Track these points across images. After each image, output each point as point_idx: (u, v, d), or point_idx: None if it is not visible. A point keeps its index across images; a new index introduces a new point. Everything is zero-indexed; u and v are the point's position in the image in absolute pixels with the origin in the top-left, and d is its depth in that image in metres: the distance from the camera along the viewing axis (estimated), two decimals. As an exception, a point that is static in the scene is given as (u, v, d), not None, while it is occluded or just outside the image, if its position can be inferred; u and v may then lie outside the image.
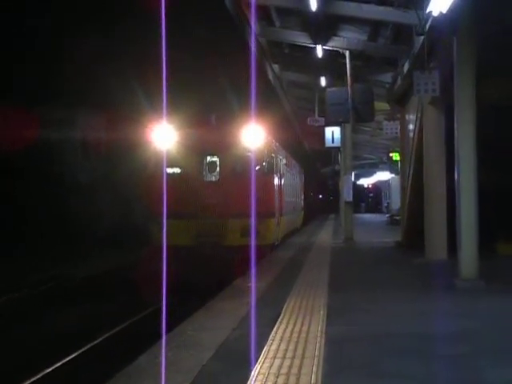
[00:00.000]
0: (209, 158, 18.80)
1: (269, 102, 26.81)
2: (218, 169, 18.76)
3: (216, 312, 10.30)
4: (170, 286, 13.68)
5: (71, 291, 17.64)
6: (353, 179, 49.26)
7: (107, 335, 12.29)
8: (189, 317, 9.99)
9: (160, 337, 8.56)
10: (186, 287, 15.11)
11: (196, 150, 18.45)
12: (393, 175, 43.70)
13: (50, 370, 10.07)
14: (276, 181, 20.49)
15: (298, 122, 39.19)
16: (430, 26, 14.41)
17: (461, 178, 12.41)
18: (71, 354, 10.88)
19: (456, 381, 6.37)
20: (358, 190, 74.07)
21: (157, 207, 16.29)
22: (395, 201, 41.51)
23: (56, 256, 23.62)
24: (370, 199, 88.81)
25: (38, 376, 9.74)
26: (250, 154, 18.16)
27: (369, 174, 65.13)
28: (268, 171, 19.36)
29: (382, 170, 53.52)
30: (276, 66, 28.37)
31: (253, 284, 12.56)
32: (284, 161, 24.30)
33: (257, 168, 18.38)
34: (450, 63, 12.95)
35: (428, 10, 12.54)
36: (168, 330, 8.71)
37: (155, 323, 10.50)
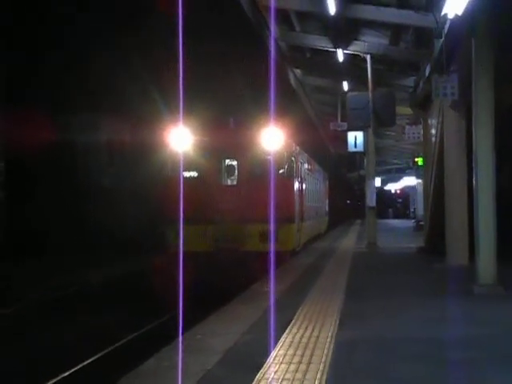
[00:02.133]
0: (227, 162, 18.43)
1: (289, 105, 26.49)
2: (236, 172, 18.37)
3: (228, 317, 10.27)
4: (187, 291, 13.76)
5: (87, 298, 17.58)
6: (379, 184, 49.34)
7: (122, 342, 12.32)
8: (201, 322, 9.97)
9: (169, 341, 8.61)
10: (202, 293, 15.00)
11: (214, 154, 18.10)
12: (419, 180, 43.35)
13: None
14: (296, 185, 20.06)
15: (321, 127, 39.11)
16: (449, 29, 14.32)
17: (479, 181, 12.25)
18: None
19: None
20: (385, 196, 73.93)
21: (173, 212, 15.72)
22: (421, 206, 41.14)
23: (69, 262, 23.66)
24: (398, 204, 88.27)
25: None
26: (269, 157, 17.68)
27: (396, 179, 64.82)
28: (288, 175, 18.83)
29: (409, 175, 53.21)
30: (298, 71, 28.36)
31: (270, 289, 12.43)
32: (305, 165, 23.82)
33: (276, 172, 17.82)
34: (469, 66, 12.81)
35: (443, 13, 12.41)
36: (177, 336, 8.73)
37: (169, 328, 10.61)
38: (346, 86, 27.74)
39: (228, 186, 18.37)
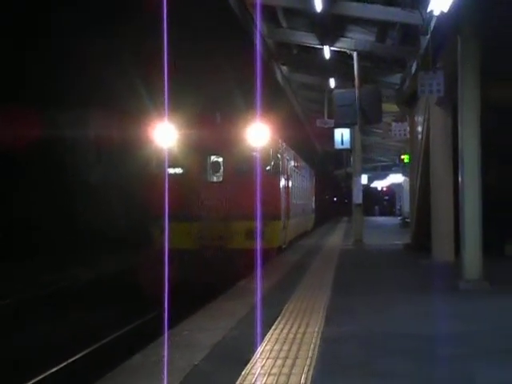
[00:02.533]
0: (212, 158, 18.12)
1: (275, 102, 26.38)
2: (221, 169, 18.05)
3: (215, 313, 10.27)
4: (173, 289, 13.71)
5: (73, 296, 17.53)
6: (366, 182, 49.40)
7: (109, 338, 12.31)
8: (188, 318, 9.97)
9: (156, 337, 8.59)
10: (188, 290, 14.94)
11: (199, 150, 17.77)
12: (405, 177, 43.50)
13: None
14: (283, 182, 19.83)
15: (308, 124, 39.13)
16: (435, 26, 14.36)
17: (464, 178, 12.32)
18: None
19: (447, 380, 6.31)
20: (372, 193, 74.00)
21: (158, 209, 15.58)
22: (407, 203, 41.31)
23: (57, 260, 23.54)
24: (385, 202, 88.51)
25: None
26: (255, 153, 17.41)
27: (382, 177, 64.88)
28: (274, 172, 18.61)
29: (395, 172, 53.35)
30: (285, 68, 28.35)
31: (257, 286, 12.39)
32: (292, 161, 23.56)
33: (262, 168, 17.41)
34: (455, 63, 12.86)
35: (429, 10, 12.45)
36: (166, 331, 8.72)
37: (155, 325, 10.61)
38: (332, 82, 27.75)
39: (213, 183, 18.06)
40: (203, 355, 7.37)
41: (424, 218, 19.10)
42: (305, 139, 40.63)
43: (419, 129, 20.67)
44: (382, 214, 77.06)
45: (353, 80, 23.52)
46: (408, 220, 32.98)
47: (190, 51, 24.80)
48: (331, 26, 20.43)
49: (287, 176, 21.21)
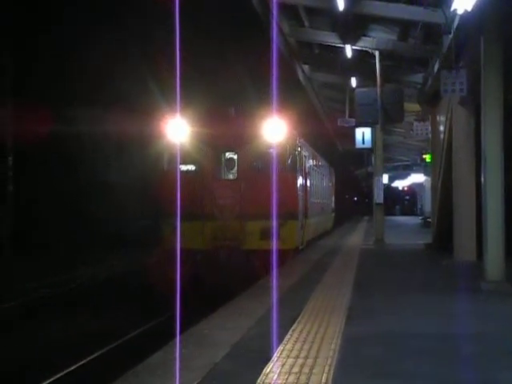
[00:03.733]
0: (227, 155, 17.28)
1: (294, 95, 25.48)
2: (236, 166, 17.22)
3: (234, 312, 10.28)
4: (190, 289, 13.67)
5: (92, 294, 17.35)
6: (387, 181, 49.29)
7: (129, 336, 12.35)
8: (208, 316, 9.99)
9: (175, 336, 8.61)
10: (205, 291, 14.76)
11: (213, 146, 17.00)
12: (426, 177, 43.29)
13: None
14: (300, 180, 18.99)
15: (329, 123, 39.03)
16: (458, 25, 14.25)
17: (487, 178, 12.23)
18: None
19: (468, 381, 6.28)
20: (393, 192, 73.80)
21: (170, 207, 15.01)
22: (428, 203, 41.09)
23: (70, 258, 23.48)
24: (406, 201, 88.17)
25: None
26: (271, 150, 16.60)
27: (403, 176, 64.67)
28: (291, 169, 17.75)
29: (417, 172, 53.14)
30: (306, 67, 28.31)
31: (273, 287, 12.20)
32: (310, 159, 22.66)
33: (279, 165, 16.45)
34: (478, 62, 12.77)
35: (453, 8, 12.37)
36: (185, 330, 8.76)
37: (173, 324, 10.62)
38: (354, 82, 27.69)
39: (227, 181, 17.30)
40: (223, 354, 7.40)
41: (446, 218, 18.99)
42: (324, 137, 40.42)
43: (441, 128, 20.55)
44: (402, 213, 76.75)
45: (374, 79, 23.47)
46: (429, 220, 32.83)
47: (204, 44, 24.51)
48: (353, 25, 20.37)
49: (305, 174, 20.45)
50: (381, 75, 23.00)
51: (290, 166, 17.71)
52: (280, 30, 22.46)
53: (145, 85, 25.03)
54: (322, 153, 29.43)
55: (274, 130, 16.50)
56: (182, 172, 16.76)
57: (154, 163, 18.48)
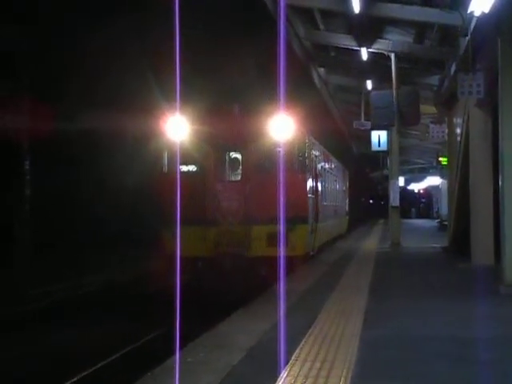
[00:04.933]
0: (231, 154, 16.21)
1: (303, 90, 24.63)
2: (240, 166, 16.12)
3: (251, 316, 10.27)
4: (201, 297, 13.37)
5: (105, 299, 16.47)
6: (402, 184, 49.18)
7: (146, 339, 12.33)
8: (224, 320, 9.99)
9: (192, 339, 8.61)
10: (214, 298, 14.15)
11: (215, 145, 15.95)
12: (442, 180, 43.09)
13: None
14: (310, 181, 17.88)
15: (344, 125, 38.99)
16: (475, 27, 14.20)
17: (504, 180, 12.16)
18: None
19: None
20: (409, 195, 73.40)
21: (169, 211, 13.99)
22: (445, 206, 40.91)
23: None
24: (422, 204, 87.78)
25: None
26: (278, 149, 15.50)
27: (419, 179, 64.44)
28: (300, 169, 16.63)
29: (433, 174, 52.90)
30: (322, 70, 28.30)
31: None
32: (322, 159, 21.44)
33: (287, 166, 15.31)
34: (495, 64, 12.71)
35: (469, 10, 12.32)
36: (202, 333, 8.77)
37: (189, 328, 10.58)
38: (369, 84, 27.63)
39: (231, 182, 16.21)
40: (241, 357, 7.39)
41: (463, 221, 18.88)
42: (338, 138, 40.10)
43: (458, 131, 20.45)
44: (418, 216, 76.38)
45: (390, 81, 23.41)
46: (446, 223, 32.69)
47: (209, 38, 24.04)
48: (369, 27, 20.35)
49: (315, 175, 19.30)
50: (396, 77, 22.95)
51: (299, 166, 16.64)
52: (295, 33, 22.46)
53: (144, 79, 23.90)
54: (336, 154, 28.75)
55: (282, 127, 15.17)
56: (182, 173, 15.83)
57: (153, 164, 17.45)
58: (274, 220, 12.88)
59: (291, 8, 19.95)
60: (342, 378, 6.39)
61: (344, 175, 32.62)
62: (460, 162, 19.52)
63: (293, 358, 7.26)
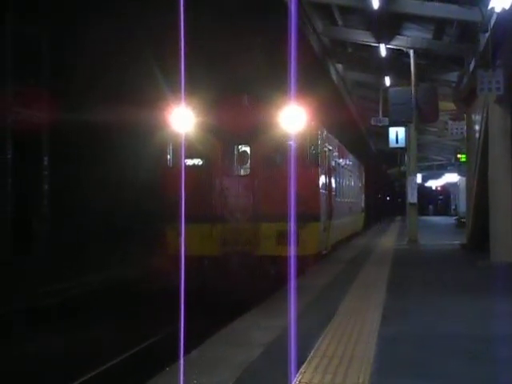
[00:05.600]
0: (239, 147, 15.41)
1: (317, 80, 23.95)
2: (249, 160, 15.29)
3: (269, 311, 10.29)
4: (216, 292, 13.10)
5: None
6: (420, 181, 49.03)
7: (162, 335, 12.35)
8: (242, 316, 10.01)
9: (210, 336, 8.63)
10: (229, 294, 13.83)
11: (223, 138, 15.13)
12: (461, 177, 42.89)
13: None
14: (323, 176, 16.94)
15: (362, 121, 38.88)
16: (495, 23, 14.12)
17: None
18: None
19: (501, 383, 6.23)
20: (426, 192, 73.13)
21: (173, 208, 12.86)
22: (463, 203, 40.70)
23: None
24: (439, 201, 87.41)
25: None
26: (290, 142, 14.72)
27: (437, 176, 64.21)
28: (313, 164, 15.63)
29: (451, 171, 52.68)
30: (340, 66, 28.25)
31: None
32: (336, 153, 20.53)
33: (298, 160, 14.36)
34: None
35: (490, 6, 12.25)
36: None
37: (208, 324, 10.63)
38: (387, 80, 27.54)
39: (239, 177, 15.41)
40: (259, 352, 7.41)
41: (481, 218, 18.78)
42: (355, 134, 39.69)
43: (477, 127, 20.33)
44: (436, 213, 76.09)
45: (408, 78, 23.32)
46: (464, 220, 32.52)
47: (214, 23, 23.35)
48: (388, 23, 20.28)
49: (329, 169, 18.40)
50: (415, 74, 22.85)
51: (312, 159, 15.58)
52: (313, 28, 22.42)
53: (148, 68, 22.70)
54: (352, 149, 28.09)
55: (293, 119, 14.33)
56: (187, 167, 15.14)
57: (157, 158, 16.68)
58: (284, 217, 12.62)
59: (309, 4, 19.91)
60: (361, 374, 6.39)
61: (360, 171, 31.74)
62: (479, 158, 19.41)
63: (311, 353, 7.27)
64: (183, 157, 14.81)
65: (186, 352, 7.40)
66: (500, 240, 16.61)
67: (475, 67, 17.44)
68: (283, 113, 14.52)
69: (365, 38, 22.78)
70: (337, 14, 21.61)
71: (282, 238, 13.98)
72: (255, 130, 14.97)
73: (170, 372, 6.95)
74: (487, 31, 14.57)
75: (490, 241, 16.91)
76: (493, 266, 15.59)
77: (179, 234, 12.96)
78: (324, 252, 17.50)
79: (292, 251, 13.12)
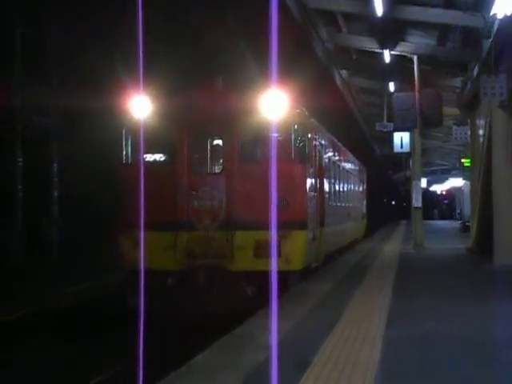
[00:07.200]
0: (209, 141, 13.07)
1: (326, 95, 23.59)
2: (221, 156, 12.95)
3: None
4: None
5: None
6: (425, 185, 49.10)
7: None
8: (249, 318, 10.11)
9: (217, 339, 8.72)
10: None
11: (191, 129, 12.76)
12: (465, 181, 42.93)
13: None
14: (312, 176, 14.18)
15: (367, 127, 39.01)
16: (498, 29, 14.26)
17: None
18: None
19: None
20: (431, 197, 73.20)
21: (130, 213, 11.23)
22: (467, 207, 40.72)
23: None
24: (444, 206, 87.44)
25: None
26: (270, 133, 11.80)
27: (441, 181, 64.29)
28: (299, 160, 12.92)
29: (455, 176, 52.74)
30: (344, 72, 28.41)
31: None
32: (330, 150, 17.71)
33: (281, 155, 11.79)
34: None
35: (492, 13, 12.39)
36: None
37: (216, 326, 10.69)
38: (392, 86, 27.69)
39: (209, 176, 13.00)
40: (266, 355, 7.51)
41: (486, 222, 18.87)
42: (358, 137, 39.34)
43: (480, 132, 20.44)
44: (440, 217, 76.10)
45: (413, 84, 23.45)
46: (468, 224, 32.55)
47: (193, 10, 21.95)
48: (391, 30, 20.41)
49: (321, 169, 15.61)
50: (419, 80, 22.97)
51: (297, 155, 12.90)
52: (318, 35, 22.58)
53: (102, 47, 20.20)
54: (354, 152, 26.44)
55: (275, 106, 11.57)
56: (147, 164, 12.81)
57: (110, 154, 14.30)
58: (263, 224, 9.83)
59: (314, 11, 20.07)
60: (365, 378, 6.49)
61: (361, 174, 29.29)
62: (483, 163, 19.52)
63: (316, 356, 7.38)
64: (142, 152, 12.17)
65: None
66: (504, 244, 16.73)
67: (478, 73, 17.57)
68: (264, 99, 11.95)
69: (369, 44, 22.93)
70: (341, 21, 21.77)
71: (261, 249, 11.85)
72: (230, 120, 12.57)
73: (177, 377, 7.02)
74: (490, 37, 14.71)
75: (494, 245, 17.01)
76: (497, 270, 15.68)
77: (137, 244, 10.99)
78: (314, 264, 14.82)
79: (273, 265, 9.55)
